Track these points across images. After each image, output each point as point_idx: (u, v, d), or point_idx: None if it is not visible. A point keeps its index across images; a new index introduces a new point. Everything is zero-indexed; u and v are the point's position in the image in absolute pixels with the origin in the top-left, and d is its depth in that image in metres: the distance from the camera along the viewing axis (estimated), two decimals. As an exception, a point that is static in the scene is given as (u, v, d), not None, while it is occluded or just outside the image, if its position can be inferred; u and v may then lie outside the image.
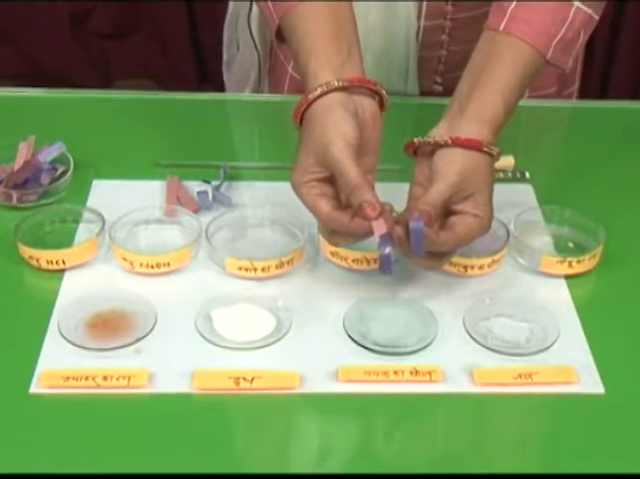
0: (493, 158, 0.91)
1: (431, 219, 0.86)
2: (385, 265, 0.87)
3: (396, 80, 1.23)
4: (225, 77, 1.43)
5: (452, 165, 0.89)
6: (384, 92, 0.92)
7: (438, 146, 0.90)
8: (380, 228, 0.85)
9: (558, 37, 0.96)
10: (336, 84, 0.88)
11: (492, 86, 0.93)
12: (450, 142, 0.90)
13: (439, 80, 1.25)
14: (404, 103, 1.23)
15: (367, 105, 0.91)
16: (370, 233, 0.86)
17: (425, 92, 1.26)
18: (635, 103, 1.34)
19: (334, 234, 0.89)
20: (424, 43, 1.20)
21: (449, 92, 1.20)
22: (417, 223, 0.84)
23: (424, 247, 0.86)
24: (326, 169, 0.88)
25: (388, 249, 0.85)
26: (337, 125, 0.87)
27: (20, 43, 2.72)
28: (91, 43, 2.76)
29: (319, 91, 0.88)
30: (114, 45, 2.78)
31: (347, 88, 0.89)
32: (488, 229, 0.91)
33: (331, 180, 0.89)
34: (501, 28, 0.95)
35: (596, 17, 1.00)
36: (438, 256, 0.90)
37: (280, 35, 0.99)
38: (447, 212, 0.90)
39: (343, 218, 0.86)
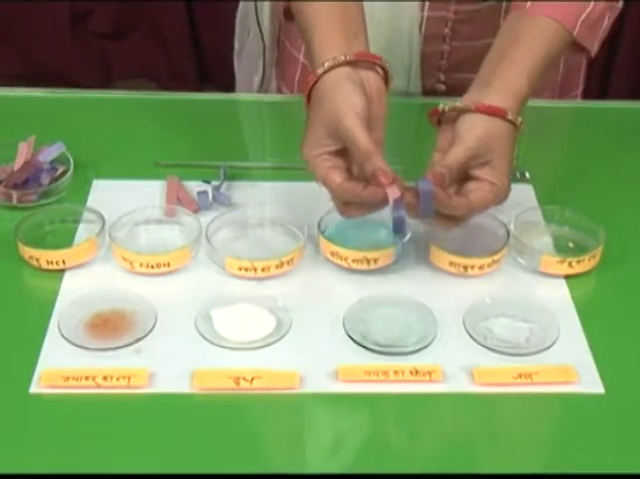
0: (516, 128, 0.92)
1: (443, 180, 0.88)
2: (399, 228, 0.90)
3: (398, 77, 1.23)
4: (236, 66, 1.42)
5: (473, 130, 0.91)
6: (388, 68, 0.93)
7: (461, 112, 0.92)
8: (394, 192, 0.86)
9: (584, 15, 0.98)
10: (342, 58, 0.90)
11: (518, 60, 0.94)
12: (473, 108, 0.91)
13: (442, 78, 1.25)
14: (407, 102, 1.23)
15: (373, 80, 0.92)
16: (382, 201, 0.87)
17: (428, 91, 1.26)
18: (635, 103, 1.34)
19: (347, 205, 0.91)
20: (427, 36, 1.20)
21: (452, 92, 1.21)
22: (425, 183, 0.87)
23: (432, 209, 0.88)
24: (338, 141, 0.89)
25: (402, 213, 0.88)
26: (347, 97, 0.89)
27: (20, 43, 2.72)
28: (91, 43, 2.76)
29: (326, 65, 0.90)
30: (114, 45, 2.78)
31: (353, 62, 0.91)
32: (504, 199, 0.92)
33: (343, 152, 0.90)
34: (527, 7, 0.96)
35: (618, 5, 1.03)
36: (452, 219, 0.91)
37: (289, 14, 1.00)
38: (465, 177, 0.91)
39: (356, 187, 0.88)
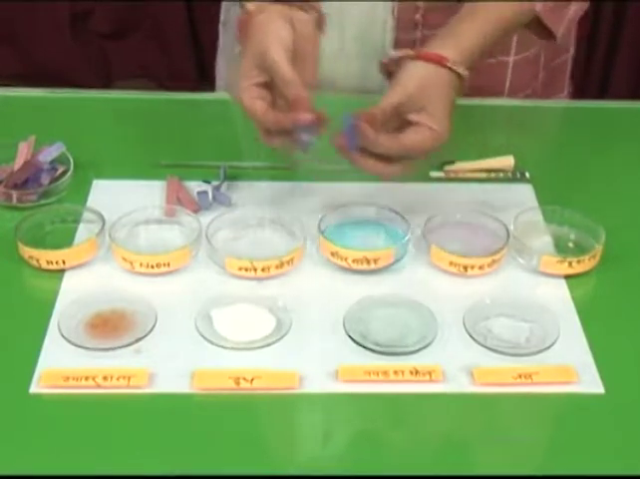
0: (461, 79, 0.95)
1: (373, 118, 0.91)
2: (302, 148, 0.95)
3: (374, 67, 1.23)
4: (220, 37, 1.43)
5: (410, 75, 0.94)
6: (324, 12, 0.98)
7: (404, 60, 0.95)
8: (305, 117, 0.91)
9: None
10: None
11: (475, 20, 0.98)
12: (414, 55, 0.95)
13: None
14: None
15: (304, 21, 0.96)
16: (303, 127, 0.92)
17: None
18: (635, 103, 1.34)
19: (270, 133, 0.95)
20: (399, 22, 1.20)
21: None
22: (347, 117, 0.91)
23: (355, 143, 0.91)
24: (264, 72, 0.94)
25: (308, 137, 0.93)
26: (275, 32, 0.93)
27: (20, 43, 2.72)
28: (91, 43, 2.76)
29: (257, 1, 0.95)
30: (114, 45, 2.78)
31: (287, 1, 0.95)
32: (443, 142, 0.94)
33: (269, 85, 0.94)
34: None
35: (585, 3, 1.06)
36: (387, 160, 0.93)
37: None
38: (404, 122, 0.94)
39: (278, 115, 0.93)
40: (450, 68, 0.94)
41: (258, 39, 0.94)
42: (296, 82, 0.91)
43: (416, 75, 0.94)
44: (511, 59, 1.23)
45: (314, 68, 0.95)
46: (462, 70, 0.94)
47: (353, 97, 1.21)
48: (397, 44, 1.22)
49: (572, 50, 1.34)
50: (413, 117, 0.93)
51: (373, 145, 0.92)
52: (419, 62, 0.95)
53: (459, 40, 0.97)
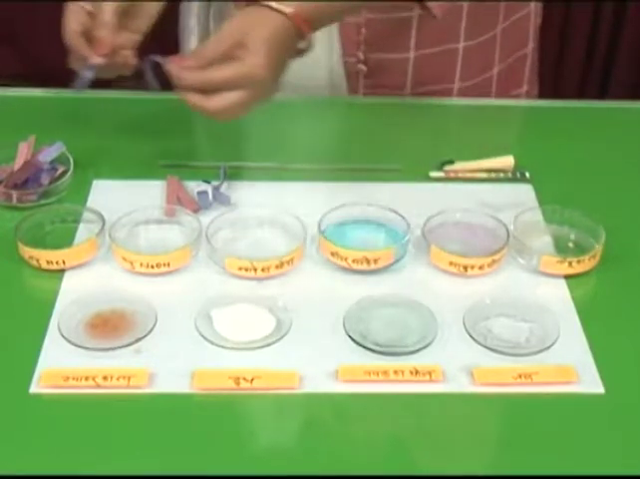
0: (287, 17, 0.97)
1: (182, 59, 1.02)
2: (79, 82, 1.09)
3: (320, 52, 1.23)
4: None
5: (234, 19, 0.99)
6: None
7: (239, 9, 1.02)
8: (94, 59, 1.05)
9: None
10: None
11: None
12: (244, 3, 1.00)
13: (362, 57, 1.25)
14: (331, 101, 1.23)
15: None
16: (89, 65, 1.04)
17: (351, 73, 1.26)
18: (635, 103, 1.34)
19: (76, 59, 1.08)
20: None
21: (373, 74, 1.23)
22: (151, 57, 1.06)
23: (155, 81, 1.08)
24: (93, 7, 1.05)
25: (88, 75, 1.08)
26: None
27: (20, 43, 2.72)
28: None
29: None
30: (114, 45, 2.78)
31: None
32: (257, 79, 0.96)
33: (94, 17, 1.05)
34: None
35: None
36: (200, 92, 0.99)
37: None
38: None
39: (84, 47, 1.05)
40: (271, 7, 0.97)
41: None
42: (108, 26, 1.02)
43: (239, 17, 0.98)
44: (461, 45, 1.24)
45: (142, 25, 1.10)
46: (284, 7, 0.97)
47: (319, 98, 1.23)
48: (342, 28, 1.22)
49: (532, 44, 1.33)
50: (236, 52, 0.96)
51: (179, 79, 1.00)
52: (246, 7, 0.99)
53: None
